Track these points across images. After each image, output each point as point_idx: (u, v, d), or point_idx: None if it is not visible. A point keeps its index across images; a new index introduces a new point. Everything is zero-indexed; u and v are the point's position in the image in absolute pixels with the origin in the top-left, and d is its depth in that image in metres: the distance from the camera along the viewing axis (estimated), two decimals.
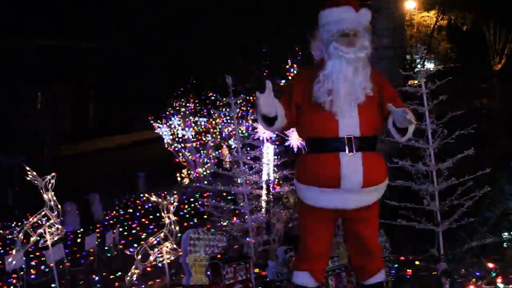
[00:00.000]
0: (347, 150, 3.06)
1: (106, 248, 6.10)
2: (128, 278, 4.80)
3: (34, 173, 4.96)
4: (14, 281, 5.35)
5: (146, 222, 7.92)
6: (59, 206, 5.12)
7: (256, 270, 4.65)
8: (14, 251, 5.24)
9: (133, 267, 4.79)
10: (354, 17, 3.12)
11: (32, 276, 5.53)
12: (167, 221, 4.75)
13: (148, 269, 5.09)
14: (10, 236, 5.45)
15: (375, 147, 3.24)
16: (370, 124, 3.11)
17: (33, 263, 6.04)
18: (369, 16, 3.21)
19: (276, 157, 5.64)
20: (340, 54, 3.09)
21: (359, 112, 3.09)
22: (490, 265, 4.19)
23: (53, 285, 5.03)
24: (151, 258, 4.76)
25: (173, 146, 11.98)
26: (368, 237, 3.28)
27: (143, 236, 6.92)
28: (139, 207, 9.31)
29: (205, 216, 7.27)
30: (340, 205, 3.14)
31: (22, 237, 5.11)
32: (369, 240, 3.29)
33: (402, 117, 2.89)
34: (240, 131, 5.50)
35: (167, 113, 11.97)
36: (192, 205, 8.64)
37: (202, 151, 11.96)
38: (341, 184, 3.07)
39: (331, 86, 3.08)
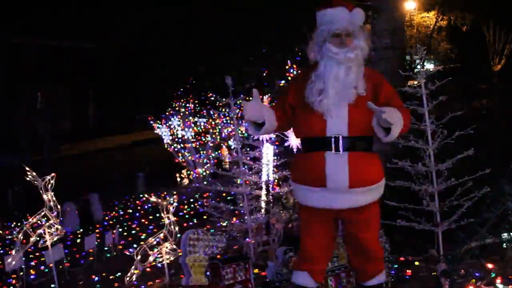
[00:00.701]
0: (333, 149, 3.07)
1: (105, 248, 6.10)
2: (127, 278, 4.80)
3: (34, 173, 4.96)
4: (14, 281, 5.35)
5: (146, 222, 7.91)
6: (59, 207, 5.13)
7: (256, 271, 4.66)
8: (13, 252, 5.24)
9: (133, 267, 4.79)
10: (346, 17, 3.12)
11: (32, 276, 5.52)
12: (166, 221, 4.75)
13: (148, 269, 5.09)
14: (9, 237, 5.45)
15: (370, 148, 3.22)
16: (360, 124, 3.08)
17: (32, 263, 6.04)
18: (363, 16, 3.20)
19: (275, 157, 5.64)
20: (330, 54, 3.11)
21: (349, 112, 3.08)
22: (490, 265, 4.20)
23: (52, 286, 5.03)
24: (151, 258, 4.76)
25: (172, 147, 11.98)
26: (367, 240, 3.26)
27: (142, 237, 6.92)
28: (139, 208, 9.31)
29: (204, 217, 7.27)
30: (328, 204, 3.13)
31: (21, 238, 5.12)
32: (368, 244, 3.27)
33: (379, 116, 2.88)
34: (239, 132, 5.49)
35: (167, 113, 11.97)
36: (192, 205, 8.64)
37: (201, 152, 11.96)
38: (327, 184, 3.07)
39: (322, 86, 3.10)
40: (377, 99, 3.12)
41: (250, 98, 3.11)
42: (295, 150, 5.28)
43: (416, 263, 4.57)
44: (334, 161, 3.06)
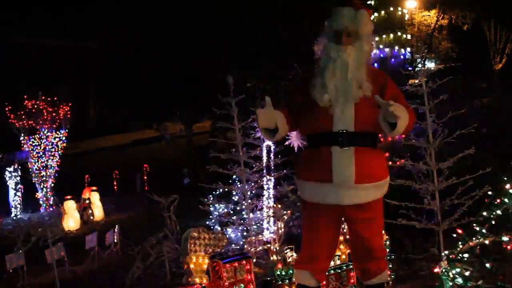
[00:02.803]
0: (339, 144, 3.09)
1: (106, 247, 6.10)
2: (128, 277, 4.80)
3: (35, 172, 4.96)
4: (15, 279, 5.36)
5: (147, 221, 7.92)
6: (60, 205, 5.13)
7: (256, 270, 4.65)
8: (15, 250, 5.25)
9: (134, 266, 4.80)
10: (350, 17, 3.15)
11: (33, 275, 5.53)
12: (167, 220, 4.75)
13: (149, 268, 5.10)
14: (10, 235, 5.46)
15: (375, 144, 3.24)
16: (366, 120, 3.11)
17: (33, 262, 6.04)
18: (368, 17, 3.21)
19: (276, 156, 5.63)
20: (326, 51, 3.16)
21: (356, 109, 3.11)
22: (490, 264, 4.19)
23: (53, 284, 5.04)
24: (152, 257, 4.77)
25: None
26: (370, 238, 3.26)
27: (143, 235, 6.93)
28: (140, 206, 9.31)
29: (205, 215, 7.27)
30: (334, 200, 3.14)
31: (22, 236, 5.13)
32: (371, 242, 3.27)
33: (385, 109, 2.90)
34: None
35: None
36: (192, 204, 8.63)
37: None
38: (333, 178, 3.08)
39: (323, 80, 3.14)
40: (383, 99, 3.13)
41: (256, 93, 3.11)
42: (296, 149, 5.27)
43: (417, 261, 4.57)
44: (340, 156, 3.08)
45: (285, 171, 5.44)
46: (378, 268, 3.35)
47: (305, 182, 3.23)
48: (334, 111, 3.12)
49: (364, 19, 3.19)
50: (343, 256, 4.05)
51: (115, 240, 6.19)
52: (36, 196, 10.42)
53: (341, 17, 3.15)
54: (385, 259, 3.45)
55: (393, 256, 4.22)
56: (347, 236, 3.81)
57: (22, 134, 10.96)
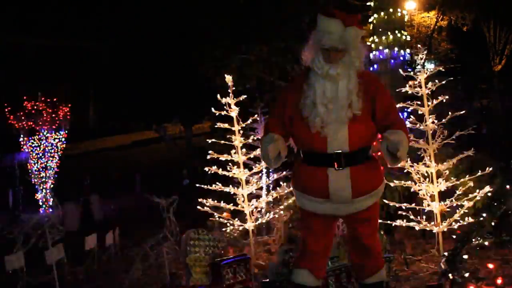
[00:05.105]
0: (335, 166, 3.05)
1: (106, 248, 6.10)
2: (128, 278, 4.80)
3: (35, 173, 4.96)
4: (14, 281, 5.36)
5: (146, 222, 7.91)
6: (60, 206, 5.13)
7: (256, 270, 4.65)
8: (14, 251, 5.25)
9: (133, 267, 4.79)
10: (339, 33, 2.96)
11: (32, 276, 5.53)
12: (167, 221, 4.75)
13: (148, 269, 5.09)
14: (10, 236, 5.46)
15: (369, 156, 3.20)
16: (360, 138, 3.06)
17: (33, 263, 6.03)
18: (358, 33, 3.04)
19: None
20: (315, 68, 3.03)
21: (349, 128, 3.02)
22: (490, 265, 4.20)
23: (53, 285, 5.03)
24: (151, 258, 4.76)
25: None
26: (366, 236, 3.28)
27: (143, 237, 6.92)
28: (139, 207, 9.31)
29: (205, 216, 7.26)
30: (331, 212, 3.16)
31: (22, 237, 5.12)
32: (368, 239, 3.29)
33: (393, 150, 2.91)
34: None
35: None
36: (192, 205, 8.62)
37: None
38: (330, 198, 3.09)
39: (313, 99, 3.04)
40: (374, 112, 3.09)
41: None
42: (295, 149, 5.27)
43: (417, 262, 4.57)
44: (337, 177, 3.05)
45: (284, 172, 5.44)
46: (374, 266, 3.37)
47: (302, 194, 3.24)
48: (327, 134, 3.03)
49: (354, 37, 3.01)
50: (342, 258, 4.05)
51: (115, 241, 6.18)
52: (35, 197, 10.42)
53: (329, 33, 2.97)
54: (381, 255, 3.47)
55: (393, 257, 4.22)
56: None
57: (22, 135, 10.98)
